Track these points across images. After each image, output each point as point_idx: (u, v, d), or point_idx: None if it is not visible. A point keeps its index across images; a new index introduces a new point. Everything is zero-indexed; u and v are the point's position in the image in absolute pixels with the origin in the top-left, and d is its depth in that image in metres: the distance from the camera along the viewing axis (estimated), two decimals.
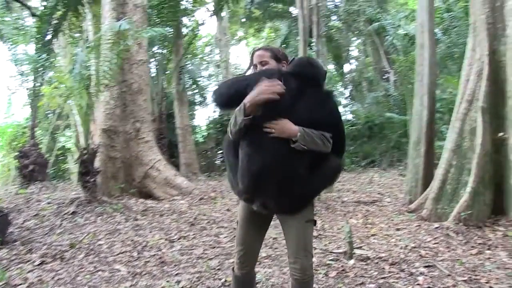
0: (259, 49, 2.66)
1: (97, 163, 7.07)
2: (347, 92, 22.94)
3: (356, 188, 9.58)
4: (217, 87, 2.58)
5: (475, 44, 5.85)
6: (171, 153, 13.80)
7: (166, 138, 13.08)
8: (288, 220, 2.48)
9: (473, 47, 5.91)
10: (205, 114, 31.30)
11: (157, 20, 11.76)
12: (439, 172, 6.04)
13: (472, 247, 4.70)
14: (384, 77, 20.84)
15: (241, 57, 37.03)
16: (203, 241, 5.18)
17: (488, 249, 4.63)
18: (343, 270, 4.04)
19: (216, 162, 18.32)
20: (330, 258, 4.38)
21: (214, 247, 4.93)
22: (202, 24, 21.12)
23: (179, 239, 5.29)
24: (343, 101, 21.55)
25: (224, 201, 8.05)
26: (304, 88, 2.36)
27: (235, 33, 24.90)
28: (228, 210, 7.14)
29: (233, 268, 2.69)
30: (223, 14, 15.32)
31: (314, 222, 2.51)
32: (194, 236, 5.41)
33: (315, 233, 5.65)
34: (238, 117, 2.28)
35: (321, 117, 2.38)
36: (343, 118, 2.74)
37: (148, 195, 8.27)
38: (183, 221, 6.21)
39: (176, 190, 8.38)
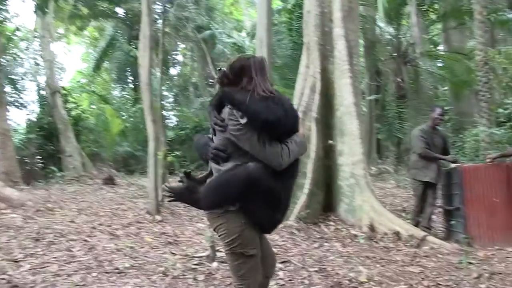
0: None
1: None
2: (171, 96, 23.19)
3: None
4: (266, 107, 2.22)
5: (309, 61, 6.72)
6: None
7: None
8: None
9: (307, 64, 6.78)
10: (21, 117, 27.80)
11: None
12: None
13: (314, 241, 5.44)
14: (210, 83, 21.63)
15: (61, 56, 34.17)
16: (55, 257, 4.80)
17: (326, 241, 5.44)
18: (209, 273, 4.29)
19: (36, 168, 16.64)
20: (194, 263, 4.58)
21: (70, 262, 4.64)
22: (17, 16, 19.10)
23: (25, 257, 4.79)
24: (167, 105, 21.65)
25: (64, 211, 7.51)
26: None
27: (56, 30, 23.02)
28: (72, 221, 6.69)
29: None
30: (49, 9, 14.02)
31: None
32: (43, 252, 4.97)
33: (170, 240, 5.80)
34: (302, 150, 2.43)
35: None
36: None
37: None
38: (24, 237, 5.62)
39: (5, 202, 7.46)
